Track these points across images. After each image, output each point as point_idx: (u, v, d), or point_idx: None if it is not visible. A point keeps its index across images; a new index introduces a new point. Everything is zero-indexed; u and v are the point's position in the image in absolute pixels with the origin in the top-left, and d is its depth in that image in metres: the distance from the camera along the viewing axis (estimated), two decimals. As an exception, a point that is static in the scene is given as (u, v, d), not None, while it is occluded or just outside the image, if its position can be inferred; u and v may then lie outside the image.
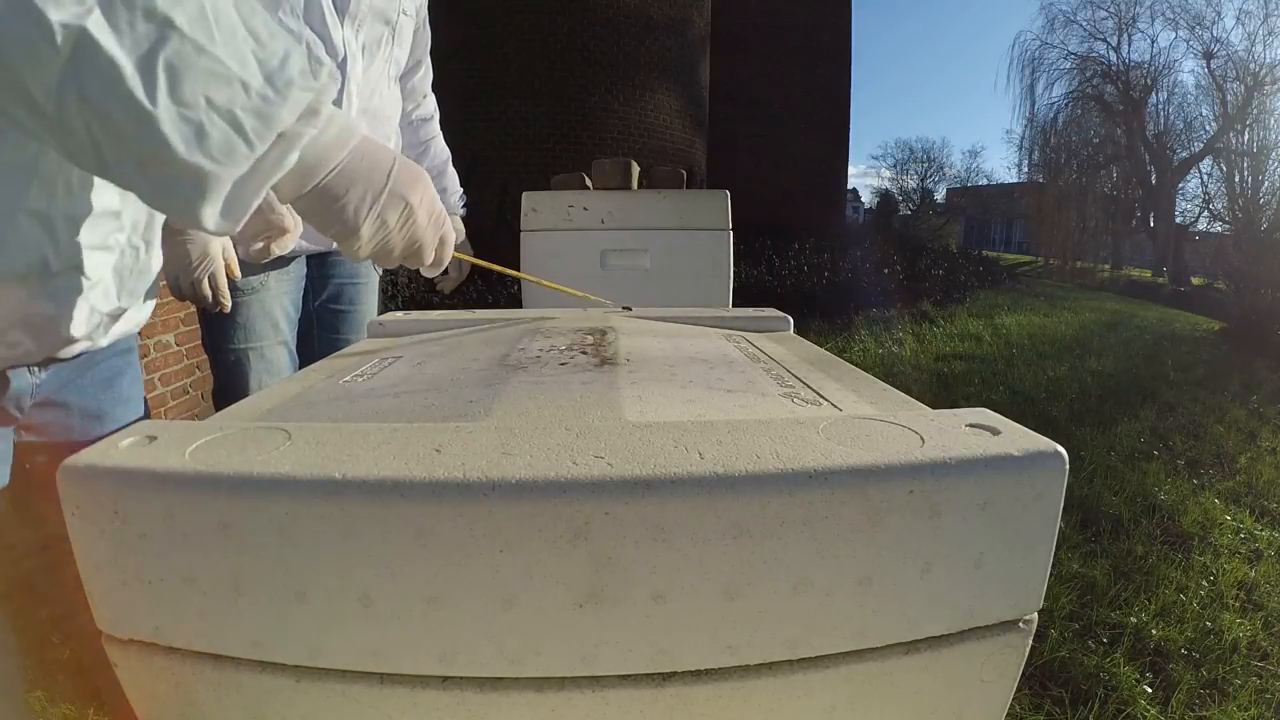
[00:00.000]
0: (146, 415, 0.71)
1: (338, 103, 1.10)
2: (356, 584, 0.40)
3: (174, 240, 0.93)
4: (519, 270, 1.94)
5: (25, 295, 0.50)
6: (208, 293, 0.96)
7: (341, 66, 1.10)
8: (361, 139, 0.53)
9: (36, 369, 0.57)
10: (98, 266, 0.55)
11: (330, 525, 0.39)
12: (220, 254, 0.96)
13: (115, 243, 0.56)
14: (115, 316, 0.60)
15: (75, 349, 0.58)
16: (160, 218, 0.62)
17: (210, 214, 0.43)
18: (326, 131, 0.49)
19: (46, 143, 0.41)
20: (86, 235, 0.53)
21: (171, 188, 0.42)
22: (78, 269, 0.53)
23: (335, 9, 1.07)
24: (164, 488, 0.40)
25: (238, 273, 1.00)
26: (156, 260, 0.63)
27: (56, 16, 0.36)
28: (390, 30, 1.18)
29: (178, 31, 0.39)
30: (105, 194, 0.53)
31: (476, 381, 0.63)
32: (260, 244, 0.92)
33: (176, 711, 0.45)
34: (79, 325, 0.56)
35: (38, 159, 0.48)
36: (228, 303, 0.99)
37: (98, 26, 0.37)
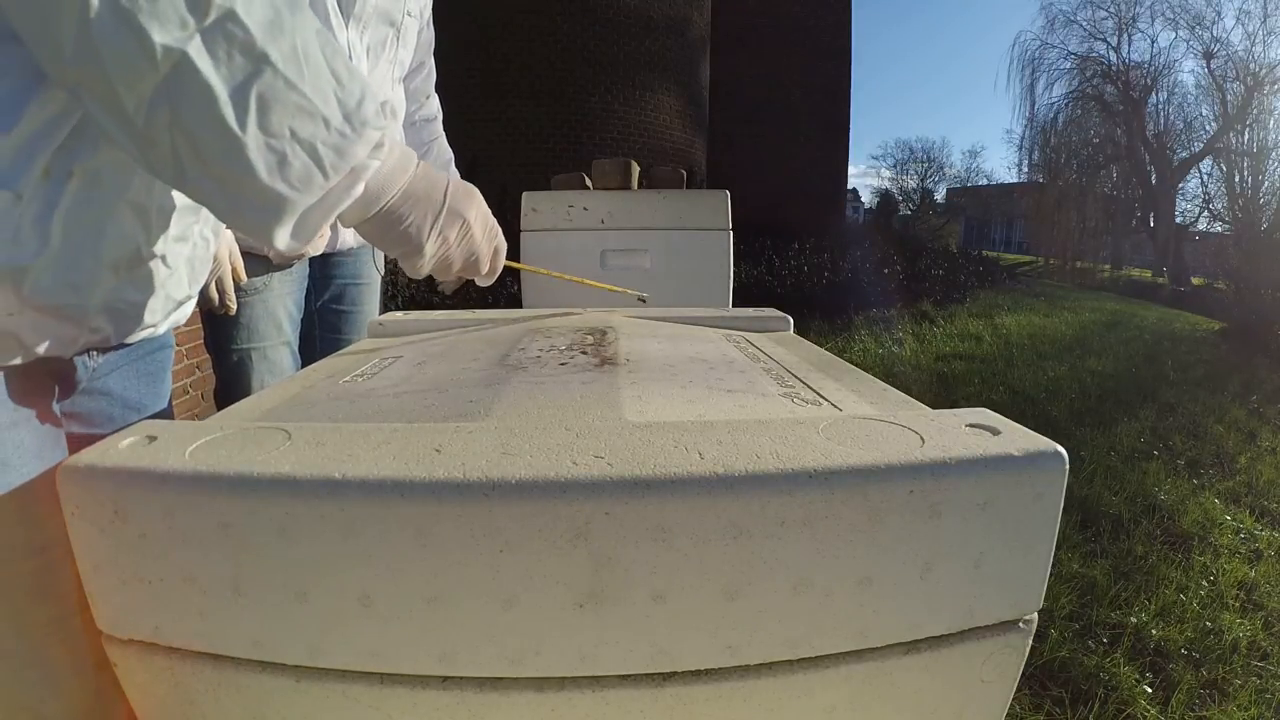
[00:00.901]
0: (171, 412, 0.72)
1: None
2: (356, 584, 0.40)
3: None
4: (543, 269, 1.94)
5: (115, 282, 0.53)
6: (215, 296, 0.97)
7: None
8: (420, 164, 0.57)
9: (96, 353, 0.58)
10: (176, 256, 0.58)
11: (330, 525, 0.39)
12: (227, 258, 0.97)
13: (191, 234, 0.60)
14: (181, 304, 0.63)
15: (142, 334, 0.61)
16: None
17: (282, 235, 0.47)
18: (388, 161, 0.52)
19: (127, 152, 0.44)
20: (173, 227, 0.56)
21: (248, 208, 0.45)
22: (162, 258, 0.56)
23: (340, 10, 1.06)
24: (164, 487, 0.40)
25: (244, 277, 1.01)
26: (213, 251, 0.67)
27: (159, 38, 0.38)
28: (395, 32, 1.18)
29: (272, 67, 0.42)
30: None
31: (476, 381, 0.63)
32: None
33: (176, 711, 0.45)
34: (156, 312, 0.59)
35: None
36: (234, 305, 1.00)
37: (198, 53, 0.39)
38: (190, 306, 0.67)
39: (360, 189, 0.50)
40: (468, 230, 0.62)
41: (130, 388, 0.65)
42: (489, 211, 0.66)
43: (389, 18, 1.15)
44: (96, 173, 0.48)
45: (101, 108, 0.41)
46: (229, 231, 0.97)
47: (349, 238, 1.23)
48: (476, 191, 0.63)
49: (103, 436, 0.48)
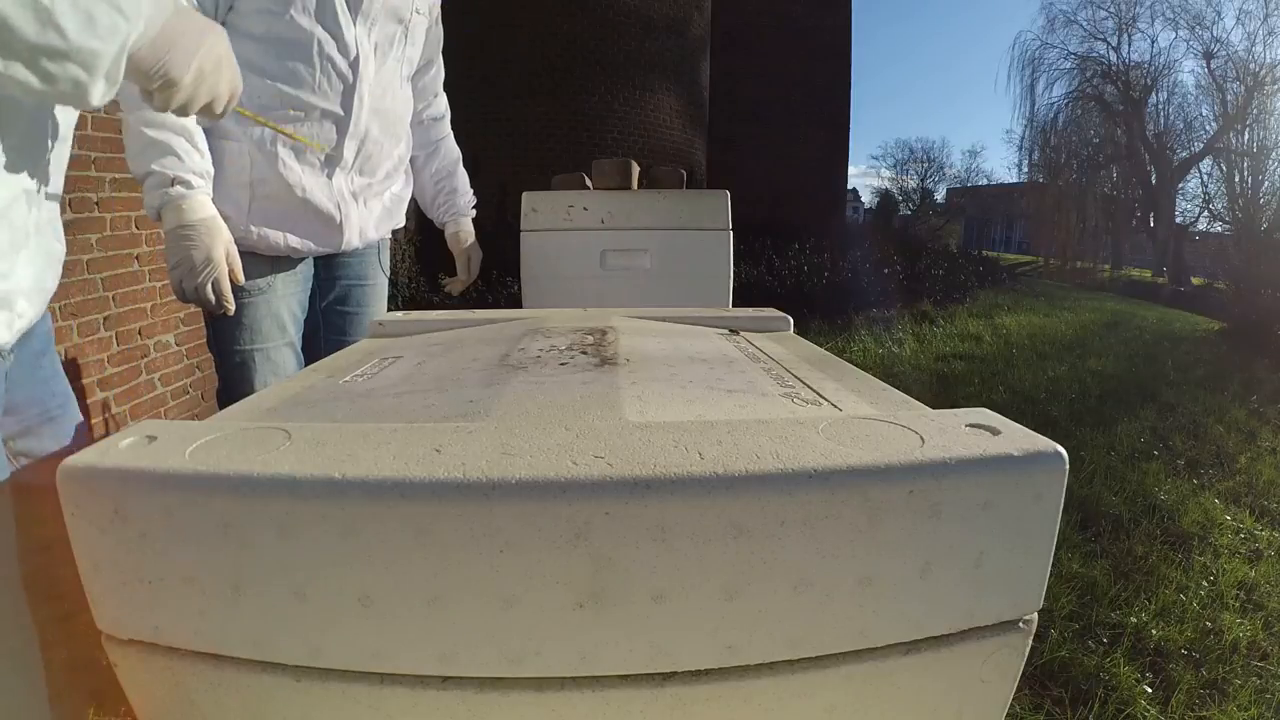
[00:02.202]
0: (77, 411, 0.72)
1: (349, 103, 1.10)
2: (356, 584, 0.40)
3: (178, 245, 0.93)
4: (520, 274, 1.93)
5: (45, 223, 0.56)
6: (210, 297, 0.96)
7: (354, 65, 1.09)
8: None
9: (11, 352, 0.59)
10: (56, 187, 0.60)
11: (330, 525, 0.39)
12: (224, 259, 0.96)
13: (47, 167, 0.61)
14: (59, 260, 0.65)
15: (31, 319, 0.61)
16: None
17: (98, 91, 0.50)
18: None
19: None
20: (53, 156, 0.58)
21: (62, 74, 0.47)
22: (55, 196, 0.60)
23: (348, 7, 1.06)
24: (164, 488, 0.40)
25: (241, 277, 1.00)
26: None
27: None
28: (403, 29, 1.18)
29: None
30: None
31: (476, 381, 0.63)
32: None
33: (176, 711, 0.45)
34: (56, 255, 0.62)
35: None
36: (231, 306, 0.99)
37: None
38: (51, 285, 0.66)
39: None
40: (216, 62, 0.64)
41: (34, 399, 0.64)
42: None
43: (398, 15, 1.15)
44: None
45: None
46: (227, 233, 0.97)
47: (355, 239, 1.22)
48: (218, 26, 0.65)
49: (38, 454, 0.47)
